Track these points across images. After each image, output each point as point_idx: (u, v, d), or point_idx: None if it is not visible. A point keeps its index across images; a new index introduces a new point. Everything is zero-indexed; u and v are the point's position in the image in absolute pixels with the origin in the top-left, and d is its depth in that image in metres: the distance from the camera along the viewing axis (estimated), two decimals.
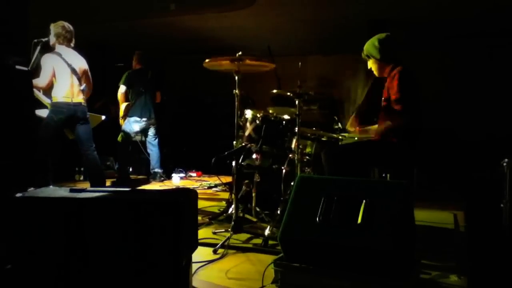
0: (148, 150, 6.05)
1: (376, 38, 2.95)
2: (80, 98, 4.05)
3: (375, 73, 3.03)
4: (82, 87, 4.06)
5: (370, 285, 1.84)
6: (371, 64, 3.01)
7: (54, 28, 3.99)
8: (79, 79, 4.05)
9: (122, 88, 5.73)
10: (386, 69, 2.95)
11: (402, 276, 1.82)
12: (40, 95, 4.10)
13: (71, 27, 4.04)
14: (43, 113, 4.05)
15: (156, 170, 6.00)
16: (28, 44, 3.59)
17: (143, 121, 5.78)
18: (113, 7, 5.52)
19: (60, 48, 4.00)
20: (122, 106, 5.82)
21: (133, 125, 5.74)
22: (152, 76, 5.87)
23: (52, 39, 3.99)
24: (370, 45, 2.96)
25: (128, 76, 5.74)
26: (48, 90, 4.03)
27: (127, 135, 5.75)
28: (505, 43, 6.09)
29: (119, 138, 5.77)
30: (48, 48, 3.93)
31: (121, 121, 5.89)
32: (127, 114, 5.77)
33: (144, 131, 5.95)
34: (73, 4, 5.31)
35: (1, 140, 2.06)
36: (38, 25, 3.79)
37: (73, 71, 3.99)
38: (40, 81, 3.85)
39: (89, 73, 4.20)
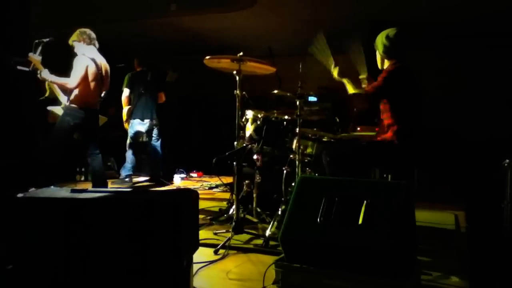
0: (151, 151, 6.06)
1: (386, 32, 2.95)
2: (97, 105, 4.08)
3: (378, 63, 3.05)
4: (103, 94, 4.08)
5: (371, 286, 1.84)
6: (377, 54, 3.02)
7: (79, 36, 3.97)
8: (102, 85, 4.06)
9: (126, 91, 5.74)
10: (386, 64, 2.97)
11: (403, 277, 1.82)
12: (59, 92, 4.00)
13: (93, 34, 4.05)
14: (57, 110, 4.02)
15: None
16: (29, 44, 3.59)
17: (146, 122, 5.78)
18: (113, 7, 5.53)
19: (91, 52, 3.97)
20: (125, 109, 5.81)
21: (136, 127, 5.74)
22: (152, 77, 5.87)
23: (80, 46, 3.96)
24: (379, 38, 2.95)
25: (129, 79, 5.76)
26: (71, 91, 3.98)
27: (132, 137, 5.76)
28: (505, 43, 6.08)
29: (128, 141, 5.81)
30: (48, 49, 3.90)
31: (125, 124, 5.86)
32: (130, 116, 5.78)
33: (148, 133, 5.93)
34: (74, 4, 5.32)
35: (3, 141, 2.07)
36: (39, 25, 3.80)
37: (101, 77, 4.00)
38: (71, 82, 3.81)
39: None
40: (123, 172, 5.73)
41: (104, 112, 5.46)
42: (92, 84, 3.95)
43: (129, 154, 5.77)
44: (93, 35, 4.04)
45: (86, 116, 3.96)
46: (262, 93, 3.92)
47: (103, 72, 4.05)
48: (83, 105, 3.93)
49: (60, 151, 3.98)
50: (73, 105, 3.92)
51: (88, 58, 3.92)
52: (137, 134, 5.78)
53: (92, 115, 4.03)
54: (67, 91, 3.97)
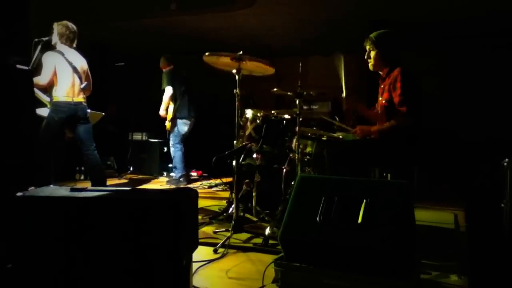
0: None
1: (388, 32, 2.93)
2: (80, 97, 4.05)
3: (370, 65, 2.99)
4: (83, 86, 4.05)
5: (370, 285, 1.84)
6: (372, 55, 2.96)
7: (57, 27, 3.99)
8: (80, 78, 4.04)
9: (169, 90, 5.60)
10: (384, 68, 2.94)
11: (403, 276, 1.82)
12: (39, 93, 4.09)
13: (75, 28, 4.04)
14: (43, 112, 4.04)
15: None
16: (29, 43, 3.59)
17: (192, 121, 5.73)
18: (113, 7, 5.53)
19: (62, 47, 3.99)
20: (170, 108, 5.67)
21: (181, 127, 5.68)
22: (187, 75, 5.81)
23: (54, 38, 3.98)
24: (382, 36, 2.92)
25: (169, 77, 5.65)
26: (48, 89, 4.02)
27: (179, 137, 5.69)
28: (505, 43, 6.08)
29: (173, 140, 5.74)
30: (49, 47, 3.93)
31: (168, 124, 5.74)
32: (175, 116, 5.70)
33: (190, 131, 5.83)
34: (74, 4, 5.32)
35: (2, 140, 2.06)
36: (39, 25, 3.80)
37: (75, 70, 3.98)
38: (41, 79, 3.83)
39: (90, 74, 4.21)
40: (176, 173, 5.68)
41: (103, 109, 5.46)
42: (67, 78, 3.96)
43: (177, 154, 5.69)
44: (72, 35, 4.03)
45: (69, 109, 3.96)
46: (261, 92, 3.93)
47: (78, 67, 4.04)
48: (64, 99, 3.94)
49: (49, 149, 3.99)
50: (55, 101, 3.95)
51: (55, 54, 3.93)
52: (181, 133, 5.70)
53: (76, 108, 4.01)
54: (46, 90, 4.00)
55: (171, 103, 5.66)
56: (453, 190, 5.15)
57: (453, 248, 2.88)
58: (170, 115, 5.68)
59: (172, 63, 5.76)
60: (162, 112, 5.68)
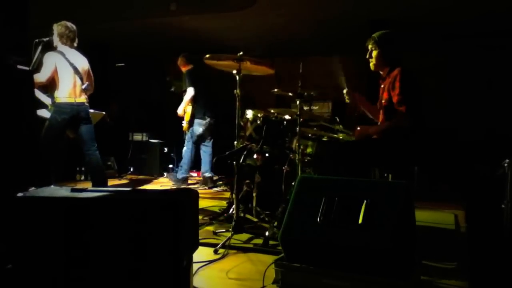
0: (201, 152, 5.80)
1: (391, 32, 2.93)
2: (82, 98, 4.05)
3: (371, 64, 2.99)
4: (84, 86, 4.05)
5: (370, 285, 1.84)
6: (374, 54, 2.96)
7: (57, 27, 3.99)
8: (82, 79, 4.04)
9: (191, 90, 5.49)
10: (384, 68, 2.95)
11: (403, 276, 1.82)
12: (40, 94, 4.08)
13: (74, 27, 4.04)
14: (43, 113, 4.04)
15: (206, 174, 5.71)
16: (29, 43, 3.59)
17: (207, 121, 5.59)
18: (114, 7, 5.53)
19: (62, 47, 3.99)
20: (188, 109, 5.57)
21: (196, 127, 5.56)
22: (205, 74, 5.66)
23: (55, 39, 3.98)
24: (385, 36, 2.92)
25: (190, 77, 5.55)
26: (49, 89, 4.01)
27: (194, 138, 5.58)
28: (505, 43, 6.09)
29: (192, 140, 5.62)
30: (50, 48, 3.92)
31: (185, 125, 5.62)
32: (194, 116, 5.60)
33: (206, 131, 5.65)
34: (74, 4, 5.32)
35: (2, 140, 2.06)
36: (39, 25, 3.80)
37: (76, 70, 3.98)
38: (40, 76, 3.82)
39: (91, 73, 4.20)
40: (180, 174, 5.59)
41: (105, 109, 5.45)
42: (68, 79, 3.95)
43: (186, 155, 5.58)
44: (72, 35, 4.03)
45: (72, 110, 3.96)
46: (261, 92, 3.93)
47: (79, 67, 4.03)
48: (66, 100, 3.94)
49: (51, 150, 3.98)
50: (57, 102, 3.95)
51: (56, 54, 3.93)
52: (196, 133, 5.57)
53: (78, 108, 4.01)
54: (47, 90, 4.00)
55: (190, 104, 5.57)
56: (453, 190, 5.14)
57: (453, 248, 2.88)
58: (188, 116, 5.60)
59: (192, 63, 5.66)
60: (180, 111, 5.60)
